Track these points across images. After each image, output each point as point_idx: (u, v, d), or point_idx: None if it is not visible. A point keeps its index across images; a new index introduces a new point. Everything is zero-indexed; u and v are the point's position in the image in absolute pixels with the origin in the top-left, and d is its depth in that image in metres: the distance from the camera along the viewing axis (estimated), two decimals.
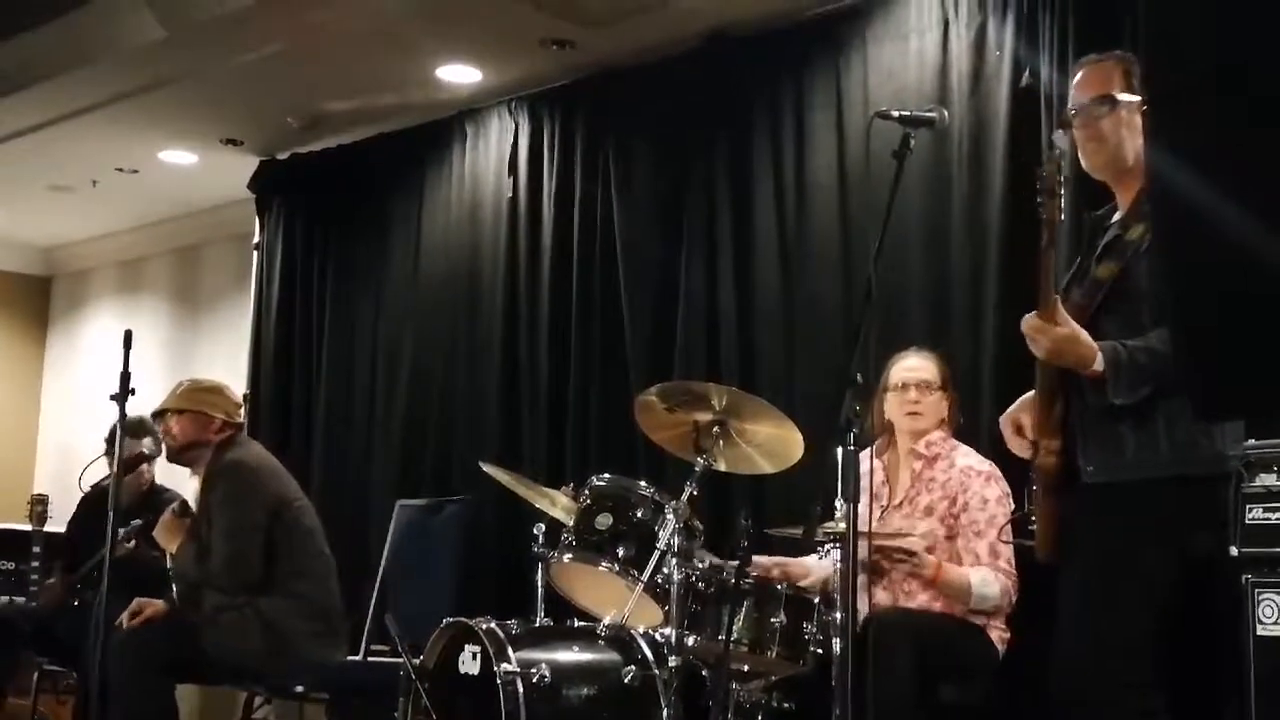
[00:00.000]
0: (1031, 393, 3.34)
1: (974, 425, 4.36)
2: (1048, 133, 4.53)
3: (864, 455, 4.25)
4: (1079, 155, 3.35)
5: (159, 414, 5.17)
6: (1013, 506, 3.98)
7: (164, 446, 5.26)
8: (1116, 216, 3.29)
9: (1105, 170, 3.30)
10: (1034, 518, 3.28)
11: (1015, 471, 3.75)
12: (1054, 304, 3.07)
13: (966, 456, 4.14)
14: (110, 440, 6.19)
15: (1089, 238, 3.38)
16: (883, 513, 4.17)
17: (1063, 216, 3.11)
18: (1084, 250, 3.37)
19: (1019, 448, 3.41)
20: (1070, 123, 3.32)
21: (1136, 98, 3.22)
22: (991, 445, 4.00)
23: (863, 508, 4.18)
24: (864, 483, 4.16)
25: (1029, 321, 3.10)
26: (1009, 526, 3.93)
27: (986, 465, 4.09)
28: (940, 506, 4.08)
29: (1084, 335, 3.06)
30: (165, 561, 5.91)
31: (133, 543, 5.69)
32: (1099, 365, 3.04)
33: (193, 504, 5.14)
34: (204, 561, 4.82)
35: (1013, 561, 3.98)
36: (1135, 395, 3.04)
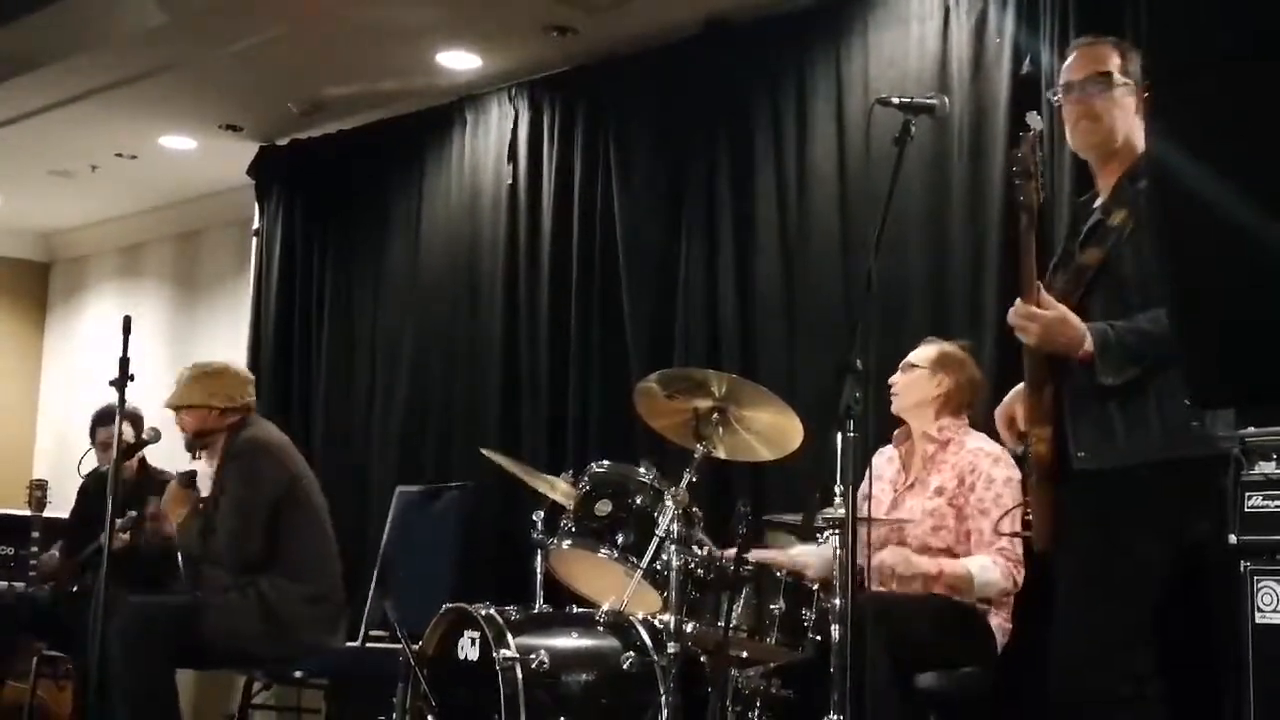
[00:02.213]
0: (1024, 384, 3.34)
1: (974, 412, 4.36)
2: (1047, 118, 4.53)
3: (883, 449, 4.30)
4: (1068, 134, 3.33)
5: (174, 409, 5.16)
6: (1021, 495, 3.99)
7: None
8: (1099, 201, 3.28)
9: (1095, 150, 3.28)
10: (1028, 510, 3.27)
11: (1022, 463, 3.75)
12: (1037, 289, 3.06)
13: (978, 440, 4.16)
14: (91, 432, 6.20)
15: (1071, 223, 3.38)
16: (895, 495, 4.19)
17: (1041, 198, 3.09)
18: (1067, 236, 3.37)
19: (1010, 441, 3.42)
20: (1060, 100, 3.30)
21: (1130, 80, 3.21)
22: (991, 434, 4.00)
23: (878, 494, 4.24)
24: (883, 473, 4.22)
25: (1017, 309, 3.09)
26: (1011, 515, 3.91)
27: (997, 448, 4.08)
28: (950, 486, 4.10)
29: (1072, 317, 3.05)
30: (164, 549, 5.93)
31: (128, 535, 5.68)
32: (1089, 346, 3.03)
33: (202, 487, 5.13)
34: (208, 537, 4.84)
35: (1015, 544, 3.98)
36: (1123, 376, 3.02)
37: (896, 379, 4.27)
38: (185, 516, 4.94)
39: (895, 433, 4.32)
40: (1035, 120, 3.15)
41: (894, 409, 4.29)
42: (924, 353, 4.29)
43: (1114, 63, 3.25)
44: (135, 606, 4.75)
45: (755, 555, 3.95)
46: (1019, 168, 3.07)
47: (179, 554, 5.12)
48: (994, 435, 4.10)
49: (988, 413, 4.05)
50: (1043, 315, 3.04)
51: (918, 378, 4.25)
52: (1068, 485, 3.14)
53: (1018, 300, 3.10)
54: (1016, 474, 4.03)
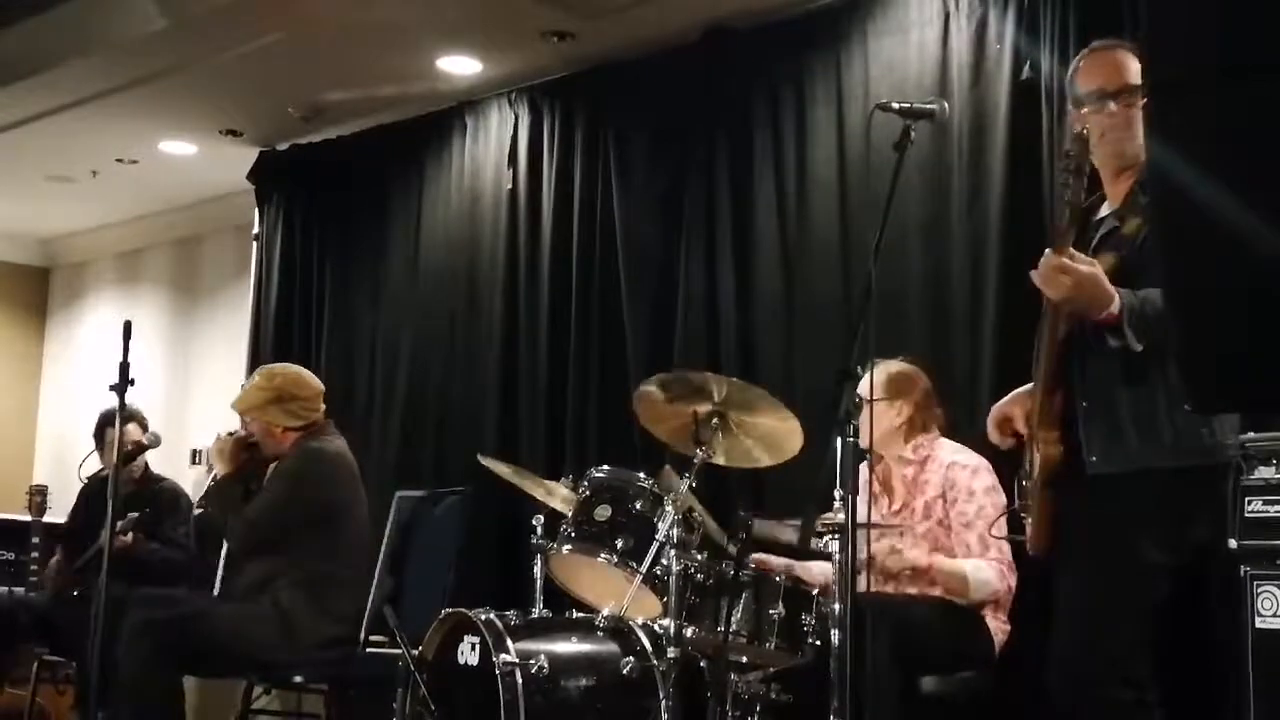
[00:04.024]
0: (1025, 387, 3.33)
1: (973, 422, 4.34)
2: (1047, 125, 4.54)
3: (861, 467, 4.29)
4: (1101, 140, 3.20)
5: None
6: (1004, 500, 3.98)
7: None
8: (1106, 208, 3.26)
9: (1120, 160, 3.22)
10: (1024, 513, 3.27)
11: (1007, 466, 3.74)
12: (1069, 247, 2.98)
13: (954, 453, 4.14)
14: (97, 435, 6.20)
15: (1079, 231, 3.35)
16: (882, 519, 4.18)
17: (1083, 197, 3.05)
18: (1074, 243, 3.33)
19: (1000, 440, 3.42)
20: (1095, 105, 3.22)
21: None
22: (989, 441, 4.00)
23: (863, 511, 4.21)
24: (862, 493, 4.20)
25: (1050, 259, 2.99)
26: (1001, 521, 3.91)
27: (974, 459, 4.08)
28: (936, 507, 4.09)
29: (1104, 278, 2.98)
30: (162, 552, 5.93)
31: (129, 536, 5.68)
32: (1115, 308, 2.97)
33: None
34: (233, 510, 4.84)
35: (1005, 550, 3.98)
36: (1144, 340, 2.96)
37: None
38: (223, 479, 4.94)
39: (868, 457, 4.29)
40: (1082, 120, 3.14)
41: (864, 445, 4.26)
42: (875, 381, 4.20)
43: (1136, 69, 3.20)
44: (146, 613, 4.73)
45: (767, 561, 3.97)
46: (1071, 165, 3.01)
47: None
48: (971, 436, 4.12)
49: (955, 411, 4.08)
50: (1077, 269, 2.97)
51: (878, 411, 4.20)
52: (1071, 489, 3.14)
53: (1048, 251, 3.01)
54: (995, 480, 4.03)
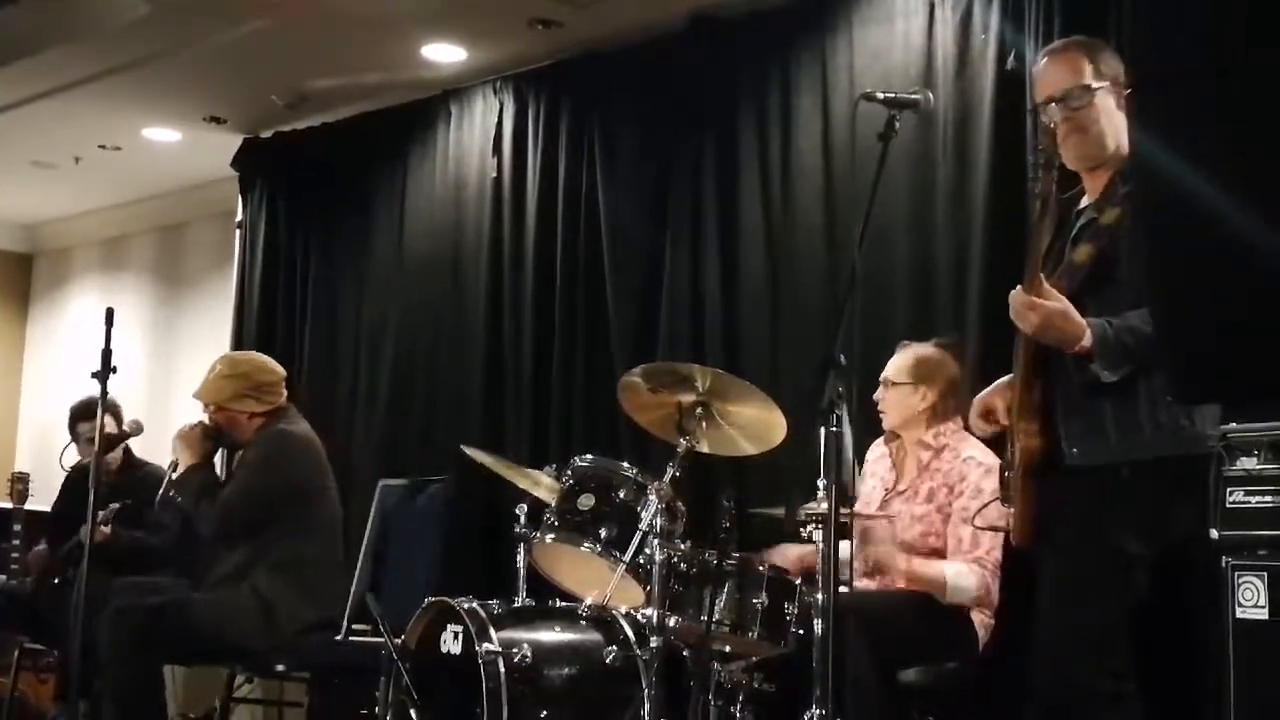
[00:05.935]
0: (1006, 377, 3.34)
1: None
2: (1031, 114, 4.53)
3: (877, 443, 4.29)
4: (1062, 145, 3.21)
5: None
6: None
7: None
8: (1086, 201, 3.27)
9: (1084, 161, 3.24)
10: (1007, 504, 3.27)
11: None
12: (1040, 279, 3.05)
13: (973, 449, 4.11)
14: (71, 427, 6.18)
15: (1059, 223, 3.37)
16: (886, 497, 4.19)
17: (1054, 188, 3.08)
18: (1054, 234, 3.35)
19: (981, 429, 3.42)
20: (1044, 113, 3.24)
21: (1107, 81, 3.20)
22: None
23: (869, 491, 4.22)
24: (875, 470, 4.22)
25: (1018, 297, 3.07)
26: (984, 512, 3.89)
27: (990, 459, 4.04)
28: (940, 494, 4.08)
29: (1073, 311, 3.04)
30: (145, 541, 5.90)
31: (108, 527, 5.66)
32: (1087, 341, 3.02)
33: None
34: (203, 498, 4.83)
35: (994, 552, 3.97)
36: (1118, 372, 3.02)
37: (881, 396, 4.25)
38: (189, 469, 4.92)
39: (887, 432, 4.31)
40: (1056, 113, 3.15)
41: (885, 426, 4.28)
42: (901, 365, 4.24)
43: (1088, 70, 3.21)
44: (127, 602, 4.71)
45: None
46: (1041, 158, 3.05)
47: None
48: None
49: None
50: (1044, 305, 3.03)
51: (901, 395, 4.21)
52: (1052, 481, 3.15)
53: (1018, 288, 3.08)
54: None
